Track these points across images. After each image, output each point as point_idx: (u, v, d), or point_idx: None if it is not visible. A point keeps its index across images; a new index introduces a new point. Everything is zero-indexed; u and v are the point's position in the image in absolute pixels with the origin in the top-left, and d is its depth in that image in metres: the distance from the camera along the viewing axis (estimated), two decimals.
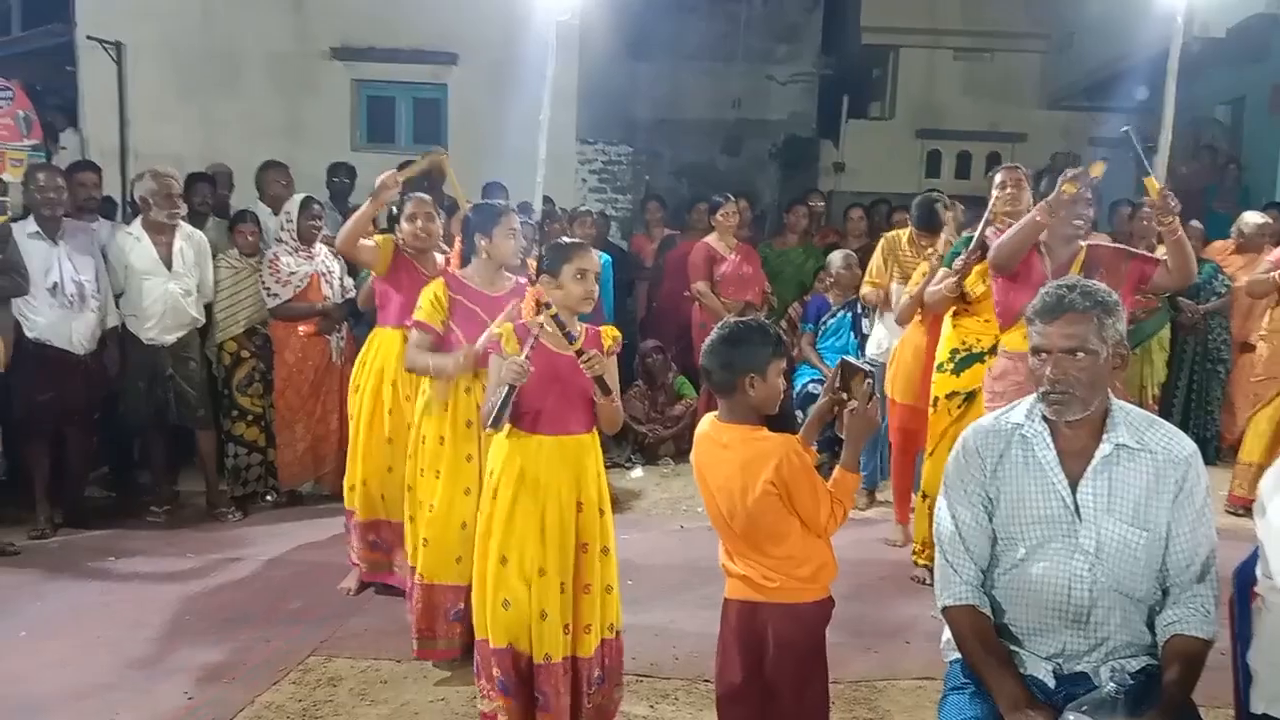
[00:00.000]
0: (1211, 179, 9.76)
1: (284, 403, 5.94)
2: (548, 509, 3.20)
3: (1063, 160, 4.16)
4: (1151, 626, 2.40)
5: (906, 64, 16.08)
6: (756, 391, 2.62)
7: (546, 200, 6.95)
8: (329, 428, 5.97)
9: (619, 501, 6.02)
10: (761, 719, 2.70)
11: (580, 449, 3.28)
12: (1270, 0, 9.40)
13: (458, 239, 4.11)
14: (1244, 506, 6.02)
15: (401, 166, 4.65)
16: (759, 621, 2.65)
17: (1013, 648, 2.45)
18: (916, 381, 5.22)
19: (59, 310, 5.32)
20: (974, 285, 4.66)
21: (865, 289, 6.12)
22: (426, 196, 4.71)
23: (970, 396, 4.64)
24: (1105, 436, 2.40)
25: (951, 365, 4.77)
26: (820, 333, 6.72)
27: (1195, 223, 7.23)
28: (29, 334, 5.28)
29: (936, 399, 4.81)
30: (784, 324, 7.07)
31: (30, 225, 5.34)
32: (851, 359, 2.75)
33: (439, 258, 4.55)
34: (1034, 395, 2.47)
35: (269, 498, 6.10)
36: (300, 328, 5.87)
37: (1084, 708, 2.19)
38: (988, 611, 2.47)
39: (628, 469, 6.99)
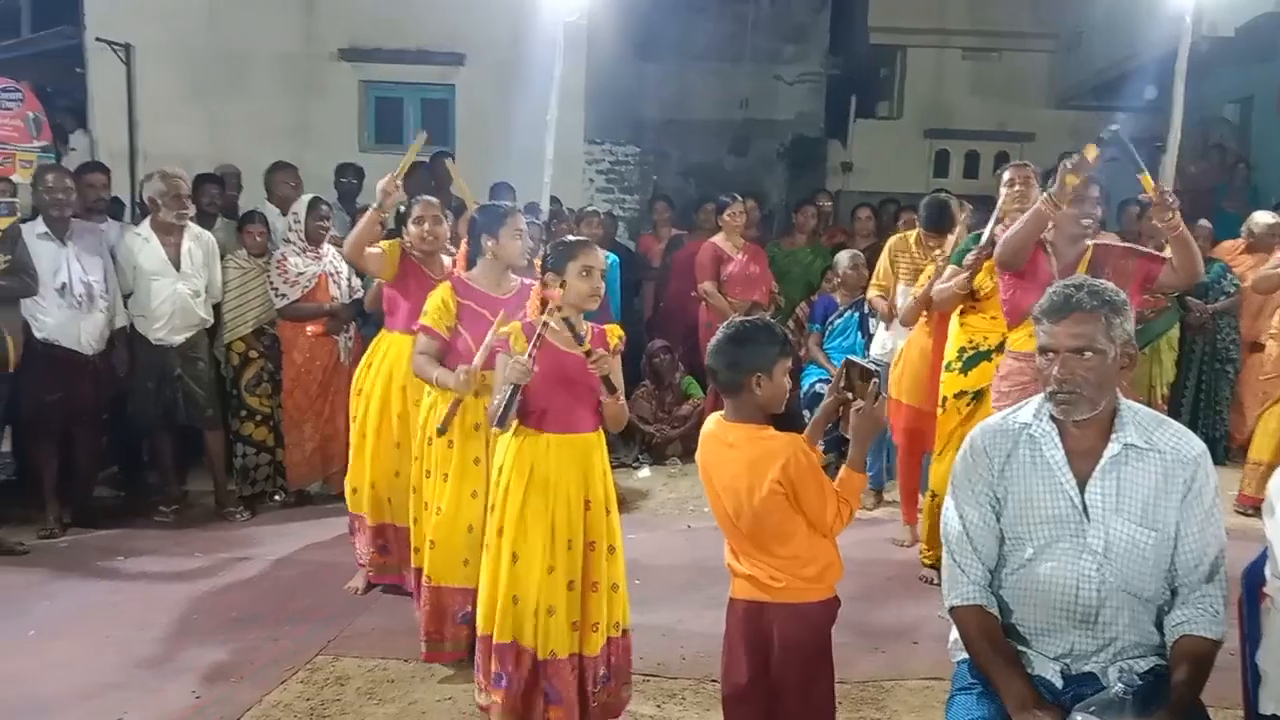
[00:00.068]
0: (1220, 178, 9.73)
1: (292, 403, 5.95)
2: (556, 507, 3.21)
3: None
4: (1160, 627, 2.39)
5: (914, 64, 16.05)
6: (763, 391, 2.61)
7: (554, 200, 6.96)
8: (337, 428, 5.98)
9: (626, 501, 6.02)
10: (767, 719, 2.70)
11: (587, 447, 3.30)
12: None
13: (464, 241, 4.11)
14: (1253, 506, 6.00)
15: (411, 169, 4.65)
16: (765, 621, 2.65)
17: (1020, 648, 2.44)
18: (924, 382, 5.20)
19: (67, 311, 5.34)
20: (982, 281, 4.65)
21: (872, 293, 6.11)
22: (434, 199, 4.70)
23: (978, 395, 4.62)
24: (1113, 436, 2.39)
25: (960, 364, 4.75)
26: (827, 333, 6.71)
27: (1204, 222, 7.21)
28: (38, 334, 5.30)
29: (945, 399, 4.79)
30: (791, 324, 7.07)
31: (39, 226, 5.36)
32: (857, 359, 2.75)
33: (446, 260, 4.55)
34: (1042, 395, 2.46)
35: (277, 497, 6.12)
36: (308, 328, 5.88)
37: (1092, 708, 2.18)
38: (995, 611, 2.46)
39: (635, 469, 6.99)
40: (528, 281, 3.88)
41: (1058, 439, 2.43)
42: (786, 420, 2.72)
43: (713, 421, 2.75)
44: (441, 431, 3.77)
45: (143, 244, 5.62)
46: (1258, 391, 6.48)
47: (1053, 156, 6.32)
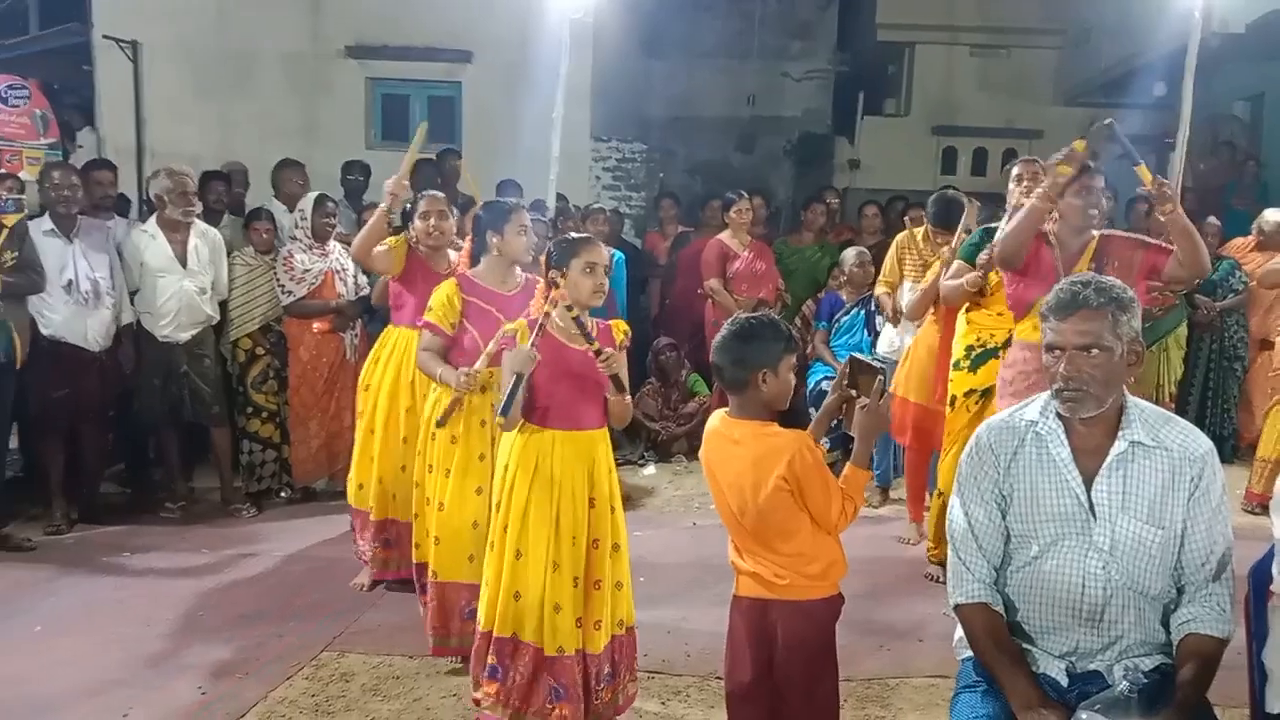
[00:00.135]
0: (1230, 176, 9.68)
1: (298, 399, 5.96)
2: (562, 504, 3.21)
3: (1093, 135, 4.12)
4: (1166, 625, 2.38)
5: (922, 60, 15.99)
6: (769, 387, 2.61)
7: (560, 198, 6.96)
8: (343, 424, 5.98)
9: (632, 498, 6.02)
10: (771, 717, 2.69)
11: (592, 444, 3.30)
12: None
13: (469, 238, 4.11)
14: (1261, 504, 5.98)
15: (416, 166, 4.65)
16: (769, 619, 2.64)
17: (1025, 646, 2.44)
18: (931, 379, 5.19)
19: (74, 307, 5.35)
20: (988, 277, 4.64)
21: (879, 290, 6.10)
22: (440, 194, 4.71)
23: (987, 393, 4.60)
24: (1120, 434, 2.38)
25: (968, 363, 4.74)
26: (833, 330, 6.70)
27: (1213, 219, 7.18)
28: (44, 331, 5.31)
29: (954, 397, 4.78)
30: (798, 321, 7.06)
31: (45, 223, 5.37)
32: (861, 356, 2.74)
33: (452, 255, 4.55)
34: (1048, 392, 2.45)
35: (283, 494, 6.13)
36: (314, 325, 5.89)
37: (1097, 706, 2.18)
38: (1000, 609, 2.45)
39: (641, 466, 6.99)
40: (532, 278, 3.88)
41: (1064, 436, 2.42)
42: (791, 417, 2.72)
43: (717, 418, 2.74)
44: (440, 424, 3.80)
45: (149, 241, 5.63)
46: (1267, 389, 6.46)
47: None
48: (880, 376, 2.63)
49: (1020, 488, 2.44)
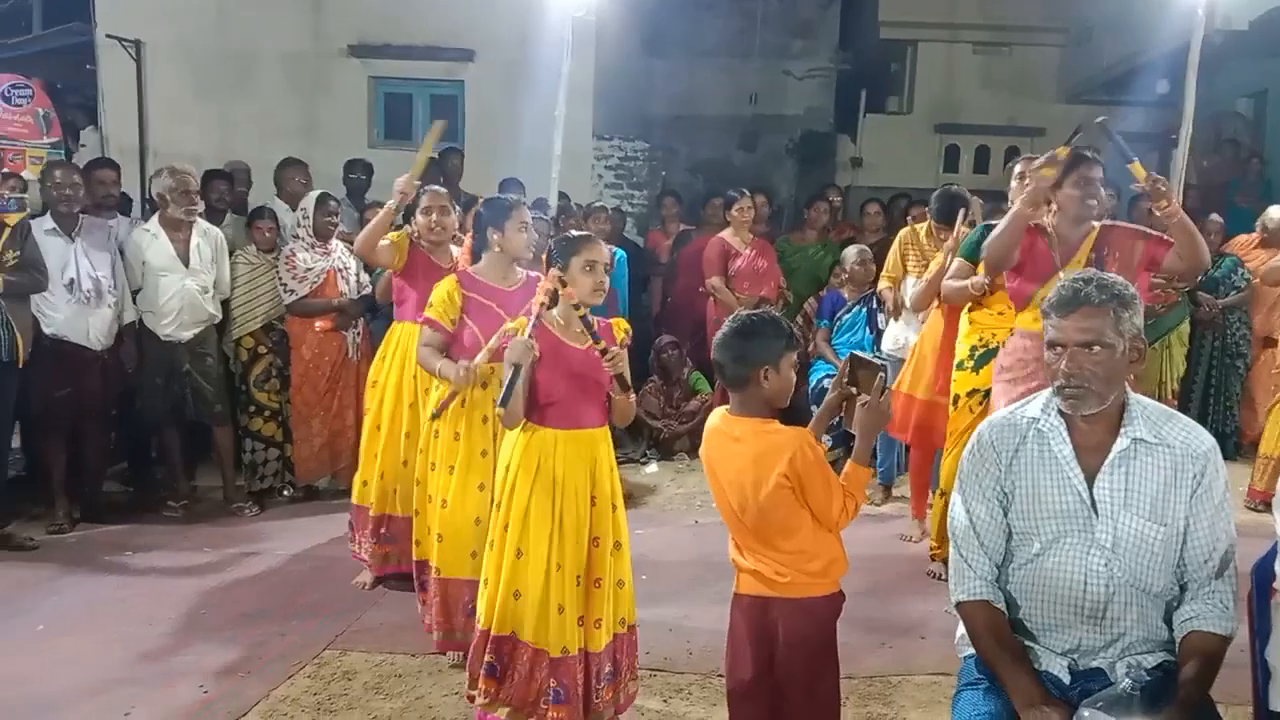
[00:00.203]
0: (1233, 173, 9.67)
1: (301, 398, 5.96)
2: (564, 503, 3.20)
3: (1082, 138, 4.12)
4: (1169, 622, 2.37)
5: (925, 58, 15.97)
6: (770, 384, 2.60)
7: (562, 196, 6.96)
8: (345, 423, 5.99)
9: (634, 497, 6.02)
10: (773, 714, 2.69)
11: (594, 442, 3.29)
12: None
13: (469, 235, 4.11)
14: (1264, 501, 5.97)
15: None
16: (769, 617, 2.64)
17: (1028, 643, 2.43)
18: (933, 373, 5.18)
19: (75, 306, 5.35)
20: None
21: (881, 284, 6.11)
22: (442, 189, 4.73)
23: (990, 393, 4.60)
24: (1122, 431, 2.37)
25: (971, 363, 4.74)
26: (835, 328, 6.69)
27: (1216, 217, 7.16)
28: (46, 330, 5.31)
29: (957, 397, 4.78)
30: (799, 319, 7.05)
31: (47, 222, 5.37)
32: (861, 353, 2.74)
33: (454, 250, 4.56)
34: (1050, 389, 2.44)
35: (285, 493, 6.13)
36: (317, 323, 5.88)
37: (1099, 704, 2.17)
38: (1002, 607, 2.45)
39: (643, 464, 6.99)
40: (533, 275, 3.89)
41: (1066, 434, 2.42)
42: (792, 415, 2.71)
43: (717, 416, 2.74)
44: (434, 417, 3.84)
45: (151, 240, 5.63)
46: (1269, 386, 6.45)
47: None
48: (881, 374, 2.63)
49: (1022, 485, 2.44)
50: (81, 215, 5.50)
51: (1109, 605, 2.35)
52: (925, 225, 5.88)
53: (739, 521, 2.66)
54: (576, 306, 3.17)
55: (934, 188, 6.22)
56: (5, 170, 6.61)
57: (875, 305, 6.48)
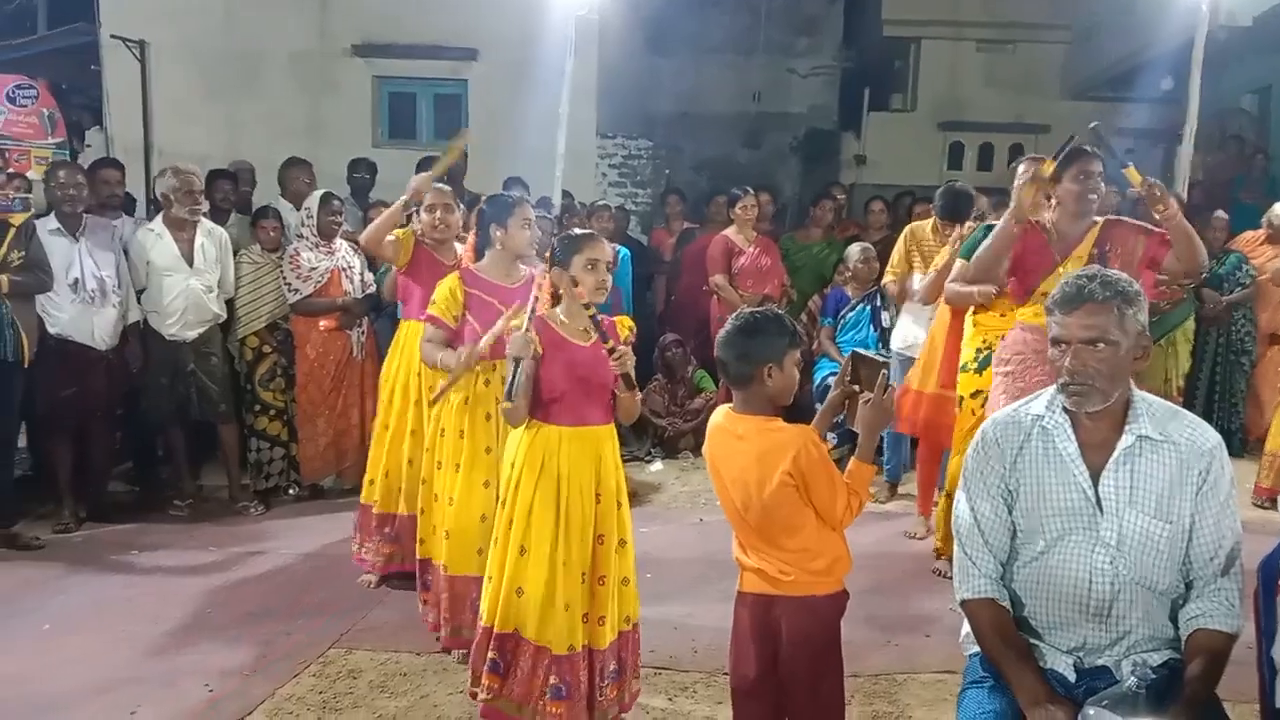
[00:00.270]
0: (1238, 169, 9.65)
1: (305, 397, 5.96)
2: (569, 500, 3.20)
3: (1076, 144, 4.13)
4: (1174, 620, 2.37)
5: (928, 56, 15.98)
6: (773, 382, 2.60)
7: (566, 194, 6.95)
8: (350, 422, 6.00)
9: (638, 495, 6.02)
10: (777, 713, 2.69)
11: (598, 440, 3.29)
12: None
13: (473, 233, 4.12)
14: (1270, 499, 5.97)
15: (421, 163, 4.67)
16: (773, 615, 2.64)
17: (1033, 641, 2.43)
18: (940, 369, 5.17)
19: (80, 306, 5.35)
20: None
21: (887, 278, 6.11)
22: (446, 188, 4.73)
23: None
24: (1127, 428, 2.37)
25: (975, 365, 4.73)
26: (839, 326, 6.69)
27: (1221, 213, 7.15)
28: (51, 330, 5.32)
29: (961, 398, 4.77)
30: (803, 317, 7.05)
31: (51, 222, 5.38)
32: (863, 351, 2.73)
33: (459, 248, 4.57)
34: (1054, 386, 2.44)
35: (290, 492, 6.13)
36: (321, 323, 5.89)
37: (1105, 702, 2.16)
38: (1007, 605, 2.44)
39: (647, 462, 6.99)
40: (534, 271, 3.89)
41: (1070, 431, 2.41)
42: (796, 414, 2.71)
43: (720, 414, 2.74)
44: (433, 403, 3.89)
45: (155, 240, 5.63)
46: (1276, 384, 6.44)
47: None
48: (884, 370, 2.63)
49: (1026, 482, 2.43)
50: (86, 215, 5.50)
51: (1114, 603, 2.35)
52: (930, 222, 5.88)
53: (742, 520, 2.65)
54: (587, 306, 3.18)
55: (938, 185, 6.22)
56: (10, 170, 6.62)
57: (879, 303, 6.47)
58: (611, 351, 3.10)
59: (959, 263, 4.79)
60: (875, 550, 5.06)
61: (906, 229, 6.07)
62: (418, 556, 4.15)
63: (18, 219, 5.09)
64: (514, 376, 3.12)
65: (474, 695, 3.30)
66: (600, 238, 3.37)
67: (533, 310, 3.22)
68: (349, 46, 10.16)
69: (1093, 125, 4.19)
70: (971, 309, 4.78)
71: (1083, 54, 14.42)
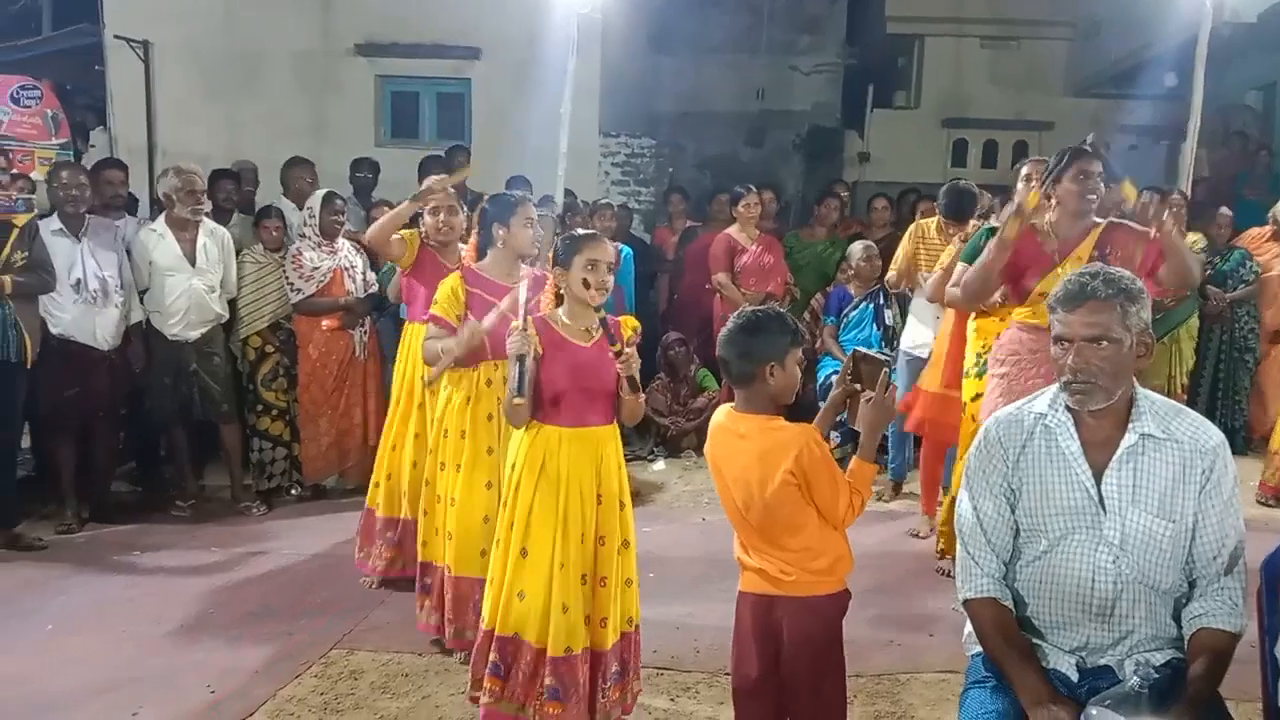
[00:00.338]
0: (1242, 166, 9.64)
1: (308, 397, 5.95)
2: (569, 502, 3.19)
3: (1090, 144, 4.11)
4: (1178, 619, 2.36)
5: (932, 53, 15.97)
6: (775, 381, 2.59)
7: (568, 193, 6.95)
8: (353, 422, 5.99)
9: (641, 494, 6.02)
10: (779, 713, 2.68)
11: (600, 441, 3.27)
12: None
13: (475, 232, 4.11)
14: (1274, 497, 5.96)
15: (423, 163, 4.70)
16: (774, 615, 2.63)
17: (1035, 641, 2.42)
18: (945, 368, 5.16)
19: (82, 306, 5.35)
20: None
21: (890, 274, 6.10)
22: (451, 190, 4.72)
23: None
24: (1130, 426, 2.36)
25: (976, 370, 4.72)
26: (842, 325, 6.68)
27: (1225, 210, 7.13)
28: (53, 330, 5.32)
29: (964, 404, 4.77)
30: (806, 316, 7.04)
31: (54, 222, 5.38)
32: (865, 349, 2.72)
33: (462, 249, 4.56)
34: (1057, 384, 2.43)
35: (293, 492, 6.12)
36: (324, 322, 5.88)
37: (1108, 702, 2.15)
38: (1009, 604, 2.43)
39: (650, 462, 6.98)
40: (539, 271, 3.88)
41: (1073, 429, 2.40)
42: (799, 413, 2.70)
43: (722, 413, 2.73)
44: (428, 384, 3.94)
45: (158, 240, 5.63)
46: (1279, 381, 6.42)
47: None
48: (886, 369, 2.62)
49: (1029, 481, 2.43)
50: (88, 216, 5.50)
51: (1117, 602, 2.34)
52: (934, 220, 5.86)
53: (744, 519, 2.64)
54: (597, 309, 3.17)
55: (942, 182, 6.21)
56: (14, 171, 6.62)
57: (882, 301, 6.46)
58: (619, 354, 3.10)
59: (959, 265, 4.77)
60: (878, 549, 5.04)
61: (912, 226, 6.05)
62: (419, 559, 4.14)
63: (21, 220, 5.09)
64: (520, 374, 3.11)
65: (475, 700, 3.29)
66: (602, 238, 3.36)
67: (526, 309, 3.20)
68: (352, 46, 10.17)
69: (1089, 139, 4.17)
70: (972, 315, 4.77)
71: (1086, 51, 14.41)
